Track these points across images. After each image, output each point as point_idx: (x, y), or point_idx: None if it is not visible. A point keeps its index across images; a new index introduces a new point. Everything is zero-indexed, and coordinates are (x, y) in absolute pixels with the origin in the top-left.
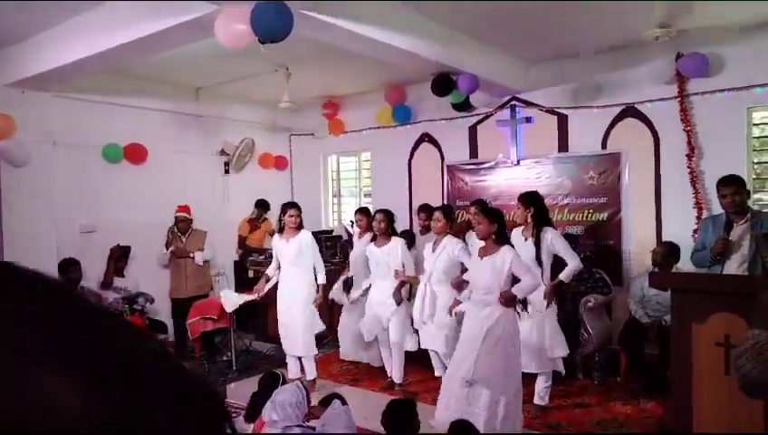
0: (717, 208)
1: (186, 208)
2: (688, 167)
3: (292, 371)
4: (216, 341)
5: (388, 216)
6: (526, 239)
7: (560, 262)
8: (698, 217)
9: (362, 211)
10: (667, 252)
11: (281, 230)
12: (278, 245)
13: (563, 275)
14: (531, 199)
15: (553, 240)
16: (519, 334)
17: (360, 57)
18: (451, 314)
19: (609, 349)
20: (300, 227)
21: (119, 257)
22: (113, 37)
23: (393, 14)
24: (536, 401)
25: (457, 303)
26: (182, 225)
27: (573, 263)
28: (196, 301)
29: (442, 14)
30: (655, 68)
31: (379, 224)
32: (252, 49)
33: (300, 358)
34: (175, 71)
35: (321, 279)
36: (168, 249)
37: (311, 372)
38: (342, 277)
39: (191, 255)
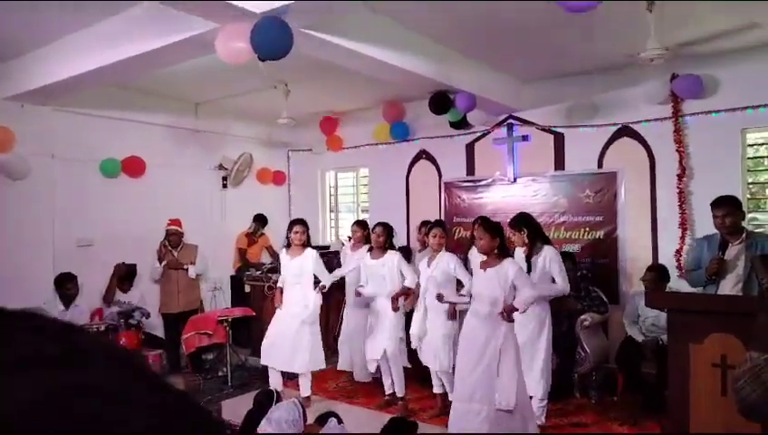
0: (705, 229)
1: (177, 222)
2: (678, 187)
3: (275, 383)
4: (203, 358)
5: (387, 229)
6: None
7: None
8: (682, 238)
9: (360, 224)
10: (656, 277)
11: (288, 246)
12: (284, 260)
13: (545, 289)
14: (521, 222)
15: (552, 259)
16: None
17: (358, 74)
18: (450, 319)
19: (606, 367)
20: (306, 244)
21: (123, 276)
22: (113, 53)
23: (391, 32)
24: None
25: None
26: (173, 238)
27: (559, 283)
28: (186, 316)
29: (439, 33)
30: (650, 88)
31: (378, 237)
32: (251, 65)
33: (287, 374)
34: (174, 86)
35: (326, 281)
36: (160, 263)
37: (305, 390)
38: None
39: (184, 266)
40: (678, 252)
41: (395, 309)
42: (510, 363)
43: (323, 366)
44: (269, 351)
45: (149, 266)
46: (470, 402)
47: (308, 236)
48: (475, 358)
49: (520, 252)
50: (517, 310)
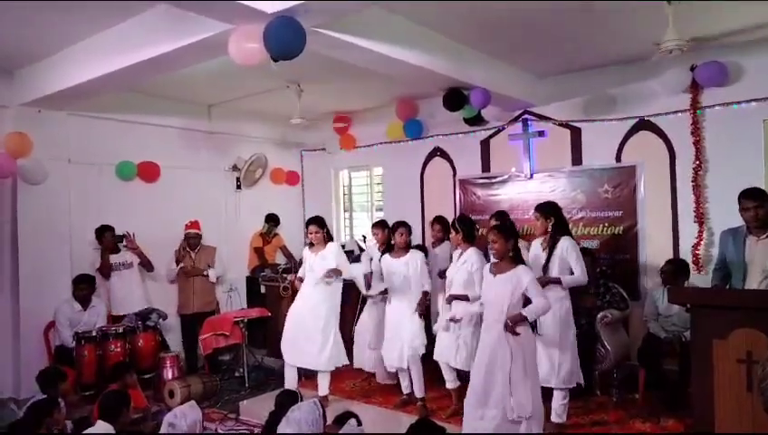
0: (724, 223)
1: (196, 224)
2: (693, 179)
3: (290, 381)
4: (220, 359)
5: (410, 228)
6: (544, 250)
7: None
8: (699, 233)
9: (380, 225)
10: (674, 269)
11: (311, 244)
12: (308, 257)
13: (565, 280)
14: (550, 209)
15: (569, 248)
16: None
17: (371, 73)
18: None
19: (628, 365)
20: (327, 240)
21: (110, 244)
22: (127, 57)
23: (404, 29)
24: (553, 418)
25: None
26: (192, 241)
27: (578, 275)
28: (202, 317)
29: (453, 29)
30: (669, 80)
31: (403, 237)
32: (264, 66)
33: (303, 372)
34: (187, 88)
35: (345, 273)
36: (177, 265)
37: (323, 389)
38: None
39: (204, 272)
40: (696, 247)
41: (421, 314)
42: (521, 371)
43: (347, 362)
44: (291, 348)
45: (166, 267)
46: (482, 409)
47: (327, 233)
48: (485, 365)
49: (537, 243)
50: (526, 319)
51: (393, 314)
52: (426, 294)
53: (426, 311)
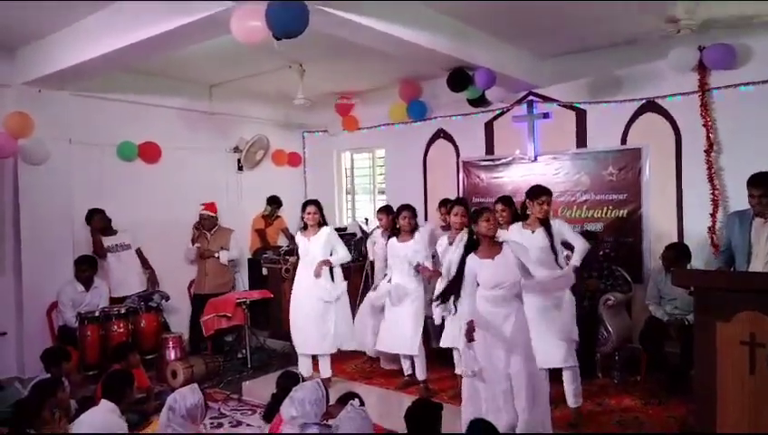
0: (735, 205)
1: (211, 206)
2: (707, 162)
3: (305, 369)
4: (226, 339)
5: (414, 212)
6: (533, 232)
7: None
8: (713, 214)
9: (385, 210)
10: (675, 255)
11: (304, 228)
12: (301, 242)
13: (575, 259)
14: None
15: (561, 227)
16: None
17: (374, 53)
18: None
19: (629, 348)
20: (321, 223)
21: (101, 227)
22: (128, 35)
23: (408, 8)
24: (570, 403)
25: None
26: (206, 222)
27: (579, 244)
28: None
29: (456, 9)
30: (676, 61)
31: (407, 221)
32: (266, 46)
33: (314, 357)
34: (189, 68)
35: (335, 260)
36: (193, 244)
37: (326, 371)
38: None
39: (215, 254)
40: (712, 229)
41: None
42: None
43: (352, 346)
44: (300, 338)
45: (184, 247)
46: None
47: (322, 216)
48: (501, 349)
49: (518, 227)
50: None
51: (396, 299)
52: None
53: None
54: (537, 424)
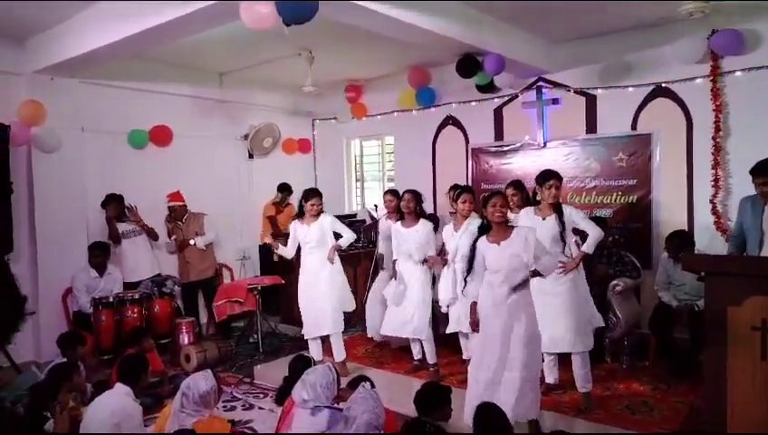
0: (743, 190)
1: (176, 196)
2: (713, 147)
3: (315, 354)
4: (232, 325)
5: (416, 196)
6: (544, 219)
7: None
8: (714, 199)
9: (392, 192)
10: (679, 243)
11: (300, 215)
12: (298, 229)
13: (587, 247)
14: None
15: (573, 214)
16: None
17: (383, 39)
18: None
19: (638, 333)
20: (320, 213)
21: (115, 213)
22: (139, 22)
23: None
24: (579, 388)
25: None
26: (176, 213)
27: (594, 231)
28: (202, 285)
29: None
30: (687, 46)
31: (407, 204)
32: (275, 33)
33: (324, 339)
34: (199, 56)
35: (344, 242)
36: (171, 238)
37: (340, 353)
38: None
39: (191, 242)
40: (716, 213)
41: (431, 265)
42: (531, 332)
43: (342, 329)
44: (307, 322)
45: (164, 243)
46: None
47: (321, 207)
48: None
49: (530, 213)
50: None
51: (401, 282)
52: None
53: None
54: (521, 413)
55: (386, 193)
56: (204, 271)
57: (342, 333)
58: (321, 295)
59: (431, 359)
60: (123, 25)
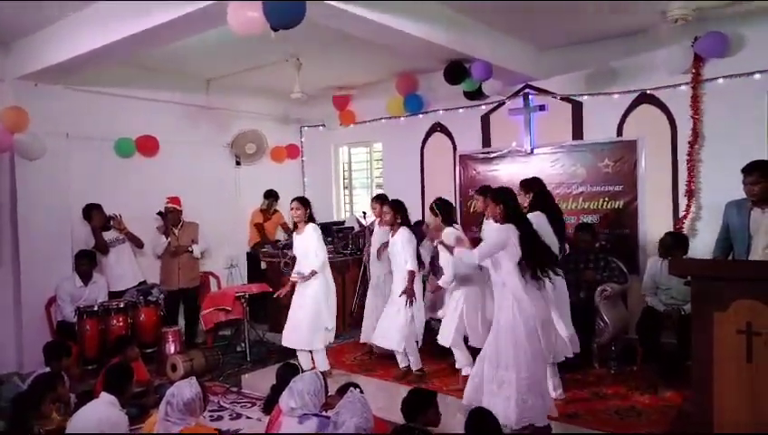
0: (713, 197)
1: (176, 200)
2: (688, 154)
3: (304, 363)
4: (219, 334)
5: (394, 206)
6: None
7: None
8: (688, 207)
9: (378, 199)
10: (672, 242)
11: (296, 226)
12: (294, 240)
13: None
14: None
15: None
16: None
17: (371, 46)
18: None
19: (626, 338)
20: (309, 220)
21: (100, 223)
22: (124, 28)
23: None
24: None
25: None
26: (172, 216)
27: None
28: (186, 293)
29: (454, 1)
30: (672, 53)
31: (384, 216)
32: (262, 39)
33: (311, 351)
34: (185, 62)
35: (305, 270)
36: (166, 238)
37: (322, 365)
38: None
39: (189, 249)
40: (681, 221)
41: (408, 298)
42: (519, 332)
43: (319, 347)
44: (287, 332)
45: (152, 242)
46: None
47: (309, 213)
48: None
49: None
50: None
51: (381, 292)
52: (410, 273)
53: (412, 293)
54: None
55: (372, 200)
56: (193, 279)
57: (333, 341)
58: (303, 309)
59: (416, 365)
60: (108, 31)
